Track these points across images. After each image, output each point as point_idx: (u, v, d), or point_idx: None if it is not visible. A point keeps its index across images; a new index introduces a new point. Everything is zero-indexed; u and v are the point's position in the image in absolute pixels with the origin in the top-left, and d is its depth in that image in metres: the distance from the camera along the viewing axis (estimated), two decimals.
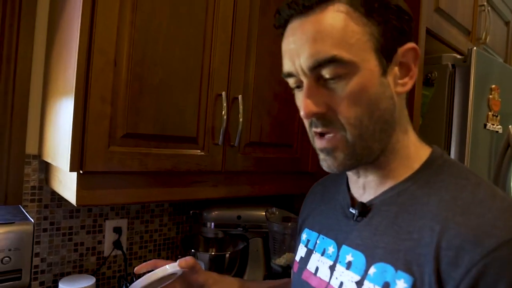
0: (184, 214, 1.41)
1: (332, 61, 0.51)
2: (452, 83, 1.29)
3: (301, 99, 0.56)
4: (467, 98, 1.25)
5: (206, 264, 1.21)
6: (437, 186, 0.54)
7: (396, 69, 0.56)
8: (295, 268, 0.72)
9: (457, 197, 0.51)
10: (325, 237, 0.67)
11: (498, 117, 1.38)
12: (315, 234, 0.71)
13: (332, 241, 0.64)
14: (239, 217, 1.30)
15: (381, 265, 0.53)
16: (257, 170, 1.13)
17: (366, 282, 0.54)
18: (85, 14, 0.79)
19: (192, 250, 1.26)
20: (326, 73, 0.53)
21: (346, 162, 0.57)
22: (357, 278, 0.56)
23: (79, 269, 1.20)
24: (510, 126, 1.47)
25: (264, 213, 1.26)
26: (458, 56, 1.29)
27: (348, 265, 0.58)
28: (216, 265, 1.26)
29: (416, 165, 0.59)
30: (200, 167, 0.98)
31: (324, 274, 0.63)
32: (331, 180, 0.76)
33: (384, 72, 0.54)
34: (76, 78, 0.79)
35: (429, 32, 1.25)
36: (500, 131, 1.39)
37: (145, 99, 0.87)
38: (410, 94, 1.18)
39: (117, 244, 1.25)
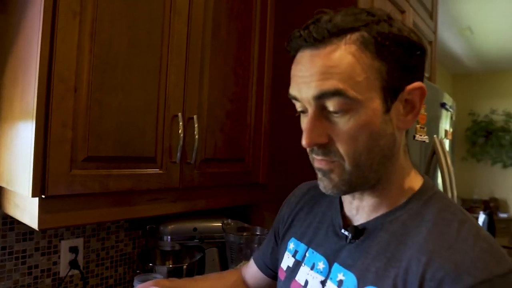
0: (140, 229, 1.43)
1: (336, 93, 0.53)
2: None
3: (304, 125, 0.58)
4: None
5: (165, 276, 1.25)
6: (427, 219, 0.57)
7: (401, 106, 0.57)
8: (282, 276, 0.75)
9: (444, 232, 0.54)
10: (314, 252, 0.69)
11: (425, 129, 1.56)
12: (303, 246, 0.73)
13: (322, 257, 0.67)
14: (195, 229, 1.36)
15: None
16: (212, 184, 1.19)
17: None
18: (44, 43, 0.81)
19: (150, 264, 1.29)
20: (330, 105, 0.54)
21: (340, 187, 0.59)
22: None
23: None
24: (434, 136, 1.67)
25: (218, 224, 1.33)
26: None
27: (340, 284, 0.61)
28: (174, 277, 1.30)
29: (408, 193, 0.61)
30: (159, 185, 1.03)
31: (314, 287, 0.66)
32: (319, 191, 0.72)
33: (388, 110, 0.56)
34: (37, 105, 0.81)
35: None
36: (427, 140, 1.57)
37: (105, 123, 0.91)
38: None
39: (73, 264, 1.25)
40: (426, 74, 2.04)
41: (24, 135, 0.86)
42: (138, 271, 1.32)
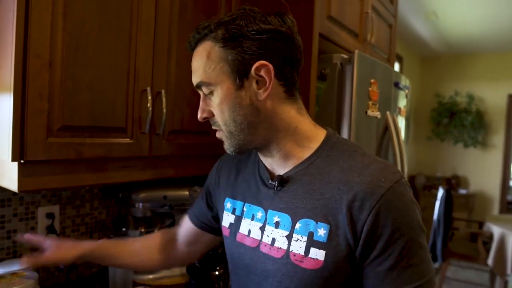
0: (113, 197, 1.53)
1: (200, 84, 0.76)
2: (340, 78, 1.56)
3: None
4: (352, 90, 1.54)
5: None
6: (335, 158, 0.75)
7: (253, 82, 0.73)
8: (227, 233, 0.89)
9: (352, 165, 0.73)
10: (251, 205, 0.84)
11: (377, 105, 1.70)
12: (240, 202, 0.87)
13: (260, 208, 0.81)
14: (165, 197, 1.47)
15: (304, 220, 0.72)
16: (180, 154, 1.30)
17: (294, 235, 0.73)
18: (19, 22, 0.88)
19: (123, 229, 1.40)
20: (204, 90, 0.77)
21: (231, 149, 0.79)
22: (286, 233, 0.74)
23: (13, 255, 1.28)
24: (387, 112, 1.81)
25: (187, 193, 1.44)
26: (345, 56, 1.57)
27: (276, 225, 0.76)
28: None
29: (316, 144, 0.78)
30: (129, 153, 1.13)
31: (256, 234, 0.81)
32: (245, 156, 0.93)
33: (240, 87, 0.74)
34: (14, 79, 0.89)
35: (322, 36, 1.51)
36: (379, 116, 1.72)
37: (79, 95, 1.00)
38: (307, 86, 1.43)
39: (50, 229, 1.35)
40: (384, 56, 2.18)
41: (3, 105, 0.94)
42: (111, 236, 1.43)
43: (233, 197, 0.90)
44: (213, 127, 0.82)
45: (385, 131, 1.82)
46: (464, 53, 5.76)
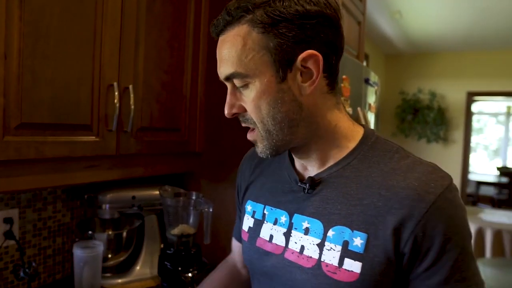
0: (78, 199, 1.45)
1: (232, 75, 0.65)
2: None
3: None
4: None
5: (105, 243, 1.30)
6: (375, 160, 0.67)
7: (298, 74, 0.64)
8: (245, 237, 0.81)
9: (396, 168, 0.65)
10: (273, 208, 0.76)
11: (349, 101, 1.71)
12: (260, 205, 0.80)
13: (283, 212, 0.74)
14: (133, 197, 1.41)
15: (338, 227, 0.65)
16: (149, 152, 1.25)
17: (327, 243, 0.66)
18: None
19: (89, 232, 1.33)
20: (236, 82, 0.66)
21: (267, 151, 0.69)
22: (318, 241, 0.67)
23: None
24: (358, 108, 1.83)
25: (157, 192, 1.38)
26: None
27: (306, 231, 0.69)
28: (114, 244, 1.35)
29: (353, 143, 0.70)
30: (95, 152, 1.07)
31: (279, 240, 0.73)
32: None
33: (283, 80, 0.64)
34: None
35: None
36: (351, 112, 1.73)
37: (39, 90, 0.93)
38: None
39: (8, 235, 1.25)
40: (354, 52, 2.20)
41: None
42: (77, 240, 1.35)
43: (255, 199, 0.83)
44: (244, 125, 0.71)
45: None
46: (427, 51, 5.96)
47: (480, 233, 3.30)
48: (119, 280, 1.37)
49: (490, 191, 6.82)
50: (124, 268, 1.43)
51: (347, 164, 0.69)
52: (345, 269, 0.63)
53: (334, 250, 0.65)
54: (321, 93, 0.68)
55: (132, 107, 1.14)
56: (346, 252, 0.63)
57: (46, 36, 0.93)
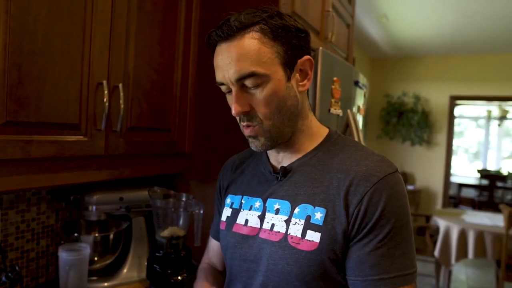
0: (63, 200, 1.41)
1: (251, 75, 0.72)
2: None
3: (231, 101, 0.77)
4: (316, 87, 1.53)
5: (91, 246, 1.26)
6: (336, 152, 0.80)
7: (297, 75, 0.78)
8: (223, 226, 0.90)
9: (351, 156, 0.78)
10: (250, 197, 0.87)
11: (339, 103, 1.71)
12: (238, 196, 0.90)
13: (258, 198, 0.85)
14: (121, 198, 1.38)
15: (303, 205, 0.76)
16: (138, 152, 1.22)
17: (293, 219, 0.76)
18: None
19: (75, 234, 1.29)
20: (248, 83, 0.73)
21: (266, 143, 0.79)
22: (285, 218, 0.78)
23: None
24: (348, 110, 1.83)
25: (145, 193, 1.35)
26: None
27: (277, 211, 0.80)
28: (101, 246, 1.32)
29: (319, 139, 0.84)
30: (84, 152, 1.03)
31: (254, 223, 0.83)
32: (246, 157, 0.97)
33: (289, 79, 0.77)
34: None
35: None
36: (341, 114, 1.73)
37: (25, 88, 0.90)
38: None
39: None
40: (343, 54, 2.21)
41: None
42: (62, 242, 1.31)
43: (233, 193, 0.92)
44: (246, 123, 0.78)
45: (346, 129, 1.84)
46: (411, 55, 6.04)
47: (463, 234, 3.35)
48: (106, 284, 1.34)
49: (471, 193, 6.95)
50: (111, 271, 1.39)
51: (313, 155, 0.82)
52: (307, 239, 0.73)
53: (298, 224, 0.75)
54: (305, 94, 0.83)
55: (122, 106, 1.11)
56: (308, 225, 0.74)
57: (34, 31, 0.90)
